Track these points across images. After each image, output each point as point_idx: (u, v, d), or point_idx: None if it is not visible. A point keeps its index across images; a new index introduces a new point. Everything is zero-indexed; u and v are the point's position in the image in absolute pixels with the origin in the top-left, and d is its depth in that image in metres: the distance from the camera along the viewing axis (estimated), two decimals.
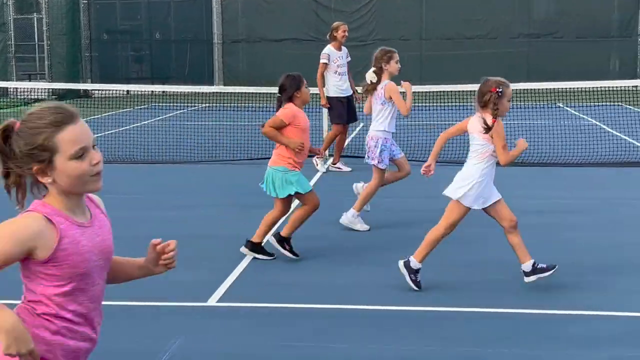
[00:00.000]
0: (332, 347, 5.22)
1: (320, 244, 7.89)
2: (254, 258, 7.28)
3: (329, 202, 9.89)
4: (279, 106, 7.30)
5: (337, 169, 12.13)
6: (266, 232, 7.30)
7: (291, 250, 7.28)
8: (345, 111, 12.06)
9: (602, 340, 5.30)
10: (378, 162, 8.29)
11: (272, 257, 7.26)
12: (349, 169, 12.04)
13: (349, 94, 12.16)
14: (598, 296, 6.21)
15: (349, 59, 12.23)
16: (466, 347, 5.20)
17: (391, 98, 8.23)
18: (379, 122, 8.39)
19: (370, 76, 8.35)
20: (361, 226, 8.38)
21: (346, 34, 12.14)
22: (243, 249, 7.29)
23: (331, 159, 12.39)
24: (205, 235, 8.29)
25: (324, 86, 12.07)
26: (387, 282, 6.58)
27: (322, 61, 12.02)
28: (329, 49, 12.08)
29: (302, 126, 7.19)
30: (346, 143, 12.92)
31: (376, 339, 5.34)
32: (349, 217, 8.42)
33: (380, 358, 5.07)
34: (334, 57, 12.01)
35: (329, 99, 12.03)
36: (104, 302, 6.32)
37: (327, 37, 12.29)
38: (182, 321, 5.72)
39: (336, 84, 12.06)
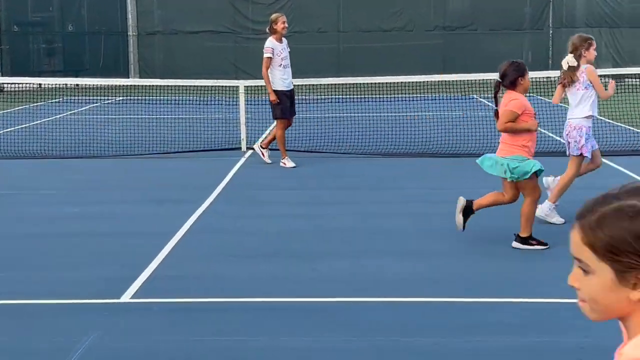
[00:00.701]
0: (248, 341, 5.18)
1: (236, 237, 7.82)
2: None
3: (246, 195, 9.84)
4: (497, 92, 7.38)
5: (283, 165, 11.73)
6: (530, 223, 7.16)
7: (539, 242, 7.18)
8: (289, 105, 11.72)
9: (512, 327, 5.38)
10: (585, 151, 8.09)
11: (546, 247, 7.14)
12: (270, 162, 11.88)
13: (292, 87, 11.85)
14: (507, 284, 6.31)
15: (289, 49, 11.94)
16: (379, 337, 5.22)
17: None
18: (584, 107, 8.15)
19: (569, 60, 8.20)
20: (557, 219, 8.10)
21: (286, 24, 11.79)
22: (515, 244, 7.17)
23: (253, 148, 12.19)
24: (119, 231, 8.14)
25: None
26: (304, 275, 6.58)
27: (266, 55, 11.56)
28: (271, 42, 11.64)
29: (532, 112, 7.26)
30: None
31: (291, 331, 5.32)
32: (545, 210, 8.12)
33: (296, 350, 5.05)
34: (278, 50, 11.60)
35: (275, 93, 11.58)
36: (12, 302, 6.17)
37: (267, 30, 11.90)
38: (95, 318, 5.60)
39: (282, 77, 11.63)
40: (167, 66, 28.83)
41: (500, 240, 7.60)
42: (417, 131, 14.68)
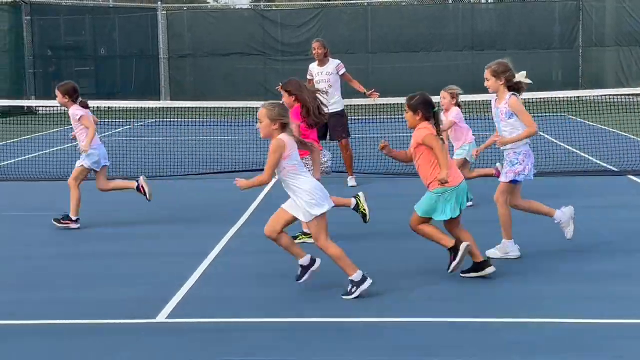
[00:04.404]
0: None
1: (269, 257, 7.87)
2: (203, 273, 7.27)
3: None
4: None
5: None
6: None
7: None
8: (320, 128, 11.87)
9: (539, 348, 5.36)
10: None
11: None
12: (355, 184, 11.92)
13: (331, 111, 11.33)
14: (536, 303, 6.29)
15: (342, 71, 11.98)
16: (412, 356, 5.23)
17: None
18: None
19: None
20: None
21: (315, 50, 11.99)
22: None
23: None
24: (151, 252, 8.22)
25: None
26: (335, 294, 6.60)
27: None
28: (312, 65, 12.14)
29: None
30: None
31: (325, 351, 5.35)
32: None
33: None
34: (314, 73, 12.02)
35: None
36: (48, 322, 6.24)
37: None
38: (131, 339, 5.67)
39: None
40: (198, 88, 29.08)
41: (520, 260, 7.59)
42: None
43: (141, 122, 21.25)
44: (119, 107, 20.01)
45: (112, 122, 21.14)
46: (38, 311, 6.32)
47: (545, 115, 18.08)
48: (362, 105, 16.72)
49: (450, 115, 10.37)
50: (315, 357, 5.26)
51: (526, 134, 7.49)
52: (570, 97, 21.07)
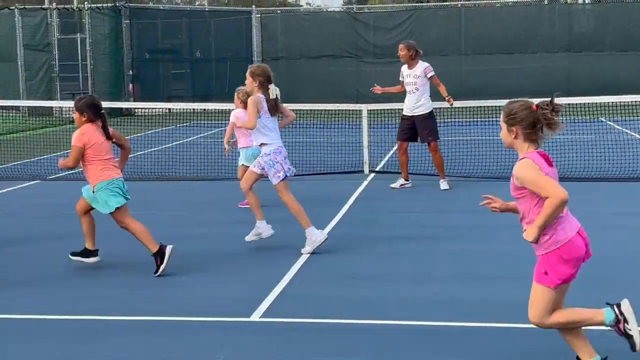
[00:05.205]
0: None
1: (358, 259, 7.90)
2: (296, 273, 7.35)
3: (369, 218, 9.91)
4: None
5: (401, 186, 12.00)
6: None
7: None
8: (403, 129, 11.85)
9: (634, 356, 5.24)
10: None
11: None
12: (447, 188, 11.85)
13: (417, 113, 11.77)
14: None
15: (430, 74, 11.84)
16: None
17: None
18: None
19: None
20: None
21: (399, 52, 12.04)
22: None
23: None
24: (245, 250, 8.35)
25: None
26: (427, 297, 6.59)
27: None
28: (403, 66, 12.12)
29: None
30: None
31: (408, 355, 5.34)
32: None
33: None
34: (404, 75, 12.03)
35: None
36: (146, 318, 6.40)
37: None
38: (226, 336, 5.78)
39: (405, 102, 12.02)
40: (290, 90, 29.33)
41: (620, 266, 7.42)
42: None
43: None
44: (214, 109, 20.36)
45: (208, 123, 21.50)
46: (135, 307, 6.50)
47: None
48: (455, 108, 16.62)
49: (232, 116, 10.19)
50: None
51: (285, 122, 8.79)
52: None
